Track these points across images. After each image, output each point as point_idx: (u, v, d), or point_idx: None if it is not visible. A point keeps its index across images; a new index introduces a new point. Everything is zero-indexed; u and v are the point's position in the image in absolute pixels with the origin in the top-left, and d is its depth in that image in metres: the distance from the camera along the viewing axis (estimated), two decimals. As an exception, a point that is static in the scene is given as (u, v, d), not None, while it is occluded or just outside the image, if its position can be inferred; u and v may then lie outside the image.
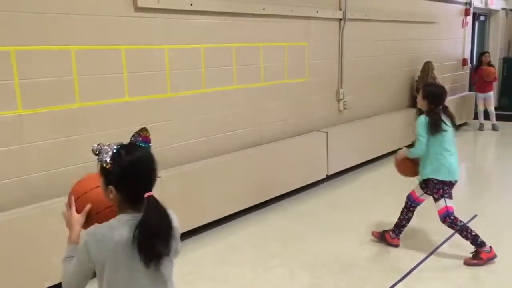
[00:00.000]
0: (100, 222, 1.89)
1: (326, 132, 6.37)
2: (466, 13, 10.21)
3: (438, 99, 4.12)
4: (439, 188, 4.12)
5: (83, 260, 1.81)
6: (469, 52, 10.91)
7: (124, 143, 1.89)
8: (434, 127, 4.03)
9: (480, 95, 9.81)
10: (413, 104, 8.66)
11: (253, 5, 5.36)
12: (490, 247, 4.08)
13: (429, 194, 4.24)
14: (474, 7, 10.50)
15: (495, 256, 4.07)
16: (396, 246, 4.44)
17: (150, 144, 1.92)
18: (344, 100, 6.97)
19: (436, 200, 4.16)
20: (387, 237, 4.49)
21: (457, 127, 4.22)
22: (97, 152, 1.85)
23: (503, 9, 12.18)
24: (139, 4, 4.26)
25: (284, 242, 4.64)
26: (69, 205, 2.02)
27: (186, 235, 4.57)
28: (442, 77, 8.49)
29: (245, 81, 5.43)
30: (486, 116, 9.84)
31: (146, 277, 1.83)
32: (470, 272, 3.99)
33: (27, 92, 3.64)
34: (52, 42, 3.75)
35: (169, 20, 4.57)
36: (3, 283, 3.31)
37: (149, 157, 1.88)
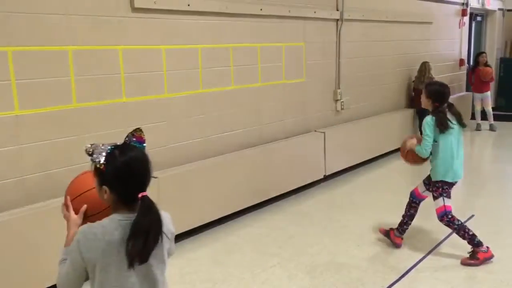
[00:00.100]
0: None
1: (324, 133, 6.37)
2: (463, 13, 10.23)
3: (442, 97, 4.11)
4: (438, 187, 4.13)
5: (75, 259, 1.81)
6: (466, 53, 10.93)
7: (118, 144, 1.89)
8: (441, 126, 4.01)
9: (478, 95, 9.83)
10: (410, 104, 8.70)
11: (251, 6, 5.36)
12: (487, 247, 4.08)
13: (430, 191, 4.26)
14: (471, 8, 10.53)
15: (492, 256, 4.08)
16: (398, 245, 4.45)
17: (144, 145, 1.92)
18: (341, 100, 6.98)
19: (435, 198, 4.17)
20: (391, 235, 4.50)
21: (464, 125, 4.20)
22: (90, 152, 1.85)
23: (499, 9, 12.21)
24: (136, 5, 4.25)
25: (282, 242, 4.64)
26: (65, 206, 2.01)
27: (184, 236, 4.57)
28: (439, 78, 8.46)
29: (243, 82, 5.43)
30: (483, 116, 9.85)
31: (136, 277, 1.83)
32: (467, 272, 3.99)
33: (24, 93, 3.63)
34: (49, 42, 3.75)
35: (166, 20, 4.57)
36: (2, 284, 3.30)
37: (143, 158, 1.87)
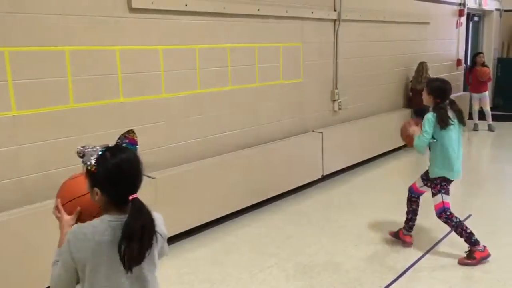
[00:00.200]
0: None
1: (321, 133, 6.38)
2: (460, 13, 10.25)
3: (444, 93, 4.12)
4: (437, 183, 4.14)
5: (66, 259, 1.82)
6: (463, 53, 10.95)
7: (110, 145, 1.89)
8: (442, 122, 4.01)
9: (476, 95, 9.84)
10: (407, 104, 8.71)
11: (248, 6, 5.36)
12: (484, 246, 4.09)
13: (429, 187, 4.27)
14: (468, 8, 10.55)
15: (488, 255, 4.09)
16: (408, 243, 4.46)
17: (136, 146, 1.92)
18: (339, 100, 6.98)
19: (433, 194, 4.18)
20: (400, 234, 4.53)
21: (464, 123, 4.21)
22: (81, 154, 1.85)
23: (497, 9, 12.24)
24: (134, 5, 4.25)
25: (280, 242, 4.64)
26: (57, 208, 2.01)
27: (182, 236, 4.57)
28: (436, 78, 8.52)
29: (241, 82, 5.44)
30: (481, 116, 9.87)
31: (127, 278, 1.83)
32: (465, 271, 4.00)
33: (21, 93, 3.63)
34: (46, 42, 3.74)
35: (164, 20, 4.57)
36: (0, 284, 3.30)
37: (134, 160, 1.87)
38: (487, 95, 9.84)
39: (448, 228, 4.31)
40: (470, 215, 5.05)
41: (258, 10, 5.46)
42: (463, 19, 10.46)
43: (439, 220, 4.21)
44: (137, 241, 1.77)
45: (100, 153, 1.84)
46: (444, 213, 4.11)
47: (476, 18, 11.94)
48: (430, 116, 4.06)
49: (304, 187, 6.15)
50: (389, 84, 8.27)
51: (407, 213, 4.48)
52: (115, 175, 1.82)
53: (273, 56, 5.83)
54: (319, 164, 6.36)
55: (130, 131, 1.93)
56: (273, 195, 5.66)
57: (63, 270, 1.84)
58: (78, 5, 3.91)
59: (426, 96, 4.16)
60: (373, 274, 3.99)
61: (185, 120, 4.89)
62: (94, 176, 1.83)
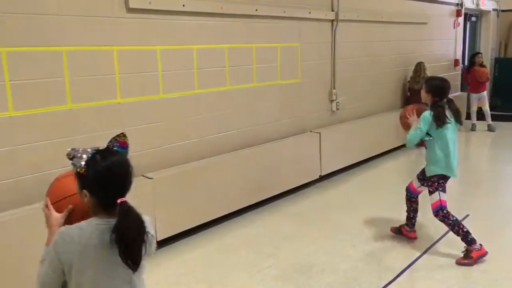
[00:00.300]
0: None
1: (319, 133, 6.38)
2: (458, 14, 10.27)
3: (442, 92, 4.13)
4: (434, 182, 4.15)
5: (52, 260, 1.83)
6: (461, 53, 10.97)
7: (101, 148, 1.89)
8: (438, 121, 4.02)
9: (474, 95, 9.83)
10: (405, 104, 8.70)
11: (246, 6, 5.36)
12: (480, 244, 4.10)
13: (426, 186, 4.28)
14: (465, 8, 10.57)
15: (485, 253, 4.09)
16: (413, 238, 4.52)
17: (127, 149, 1.92)
18: (336, 100, 6.99)
19: (430, 193, 4.19)
20: (403, 231, 4.57)
21: (460, 122, 4.22)
22: (71, 156, 1.85)
23: (494, 9, 12.26)
24: (131, 5, 4.25)
25: (278, 242, 4.64)
26: (46, 206, 2.01)
27: (179, 237, 4.57)
28: (434, 78, 8.53)
29: (238, 82, 5.43)
30: (480, 116, 9.87)
31: (112, 280, 1.84)
32: (462, 271, 4.00)
33: (18, 94, 3.62)
34: (43, 43, 3.74)
35: (161, 21, 4.56)
36: (-5, 286, 3.29)
37: (124, 163, 1.88)
38: (485, 95, 9.84)
39: (445, 228, 4.32)
40: (468, 215, 5.05)
41: (256, 10, 5.46)
42: (461, 19, 10.47)
43: (437, 221, 4.21)
44: (127, 244, 1.77)
45: (90, 155, 1.84)
46: (441, 211, 4.11)
47: (473, 18, 11.96)
48: (427, 114, 4.07)
49: (302, 187, 6.15)
50: (387, 84, 8.28)
51: (408, 212, 4.52)
52: (105, 178, 1.82)
53: (271, 57, 5.83)
54: (317, 164, 6.36)
55: (121, 135, 1.94)
56: (271, 195, 5.66)
57: (50, 270, 1.85)
58: (75, 5, 3.90)
59: (425, 94, 4.17)
60: (371, 274, 3.99)
61: (183, 120, 4.88)
62: (84, 178, 1.84)
